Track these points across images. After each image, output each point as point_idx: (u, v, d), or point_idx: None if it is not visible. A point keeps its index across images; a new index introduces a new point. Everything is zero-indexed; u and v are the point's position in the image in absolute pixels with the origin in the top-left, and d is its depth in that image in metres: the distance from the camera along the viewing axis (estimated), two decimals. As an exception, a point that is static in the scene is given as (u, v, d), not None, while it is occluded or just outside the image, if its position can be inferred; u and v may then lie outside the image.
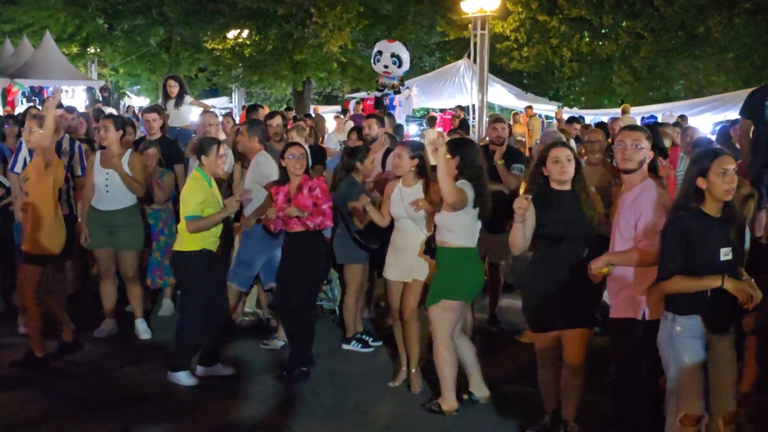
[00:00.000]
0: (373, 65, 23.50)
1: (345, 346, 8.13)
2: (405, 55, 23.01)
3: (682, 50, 24.49)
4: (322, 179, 7.45)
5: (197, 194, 7.02)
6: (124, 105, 34.54)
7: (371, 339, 8.16)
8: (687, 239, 4.71)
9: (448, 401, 6.42)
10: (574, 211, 5.52)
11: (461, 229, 6.33)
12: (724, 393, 4.84)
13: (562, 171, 5.53)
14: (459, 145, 6.45)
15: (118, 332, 8.41)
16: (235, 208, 7.30)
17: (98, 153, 8.26)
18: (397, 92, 23.08)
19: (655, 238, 4.95)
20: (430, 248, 6.70)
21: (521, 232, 5.59)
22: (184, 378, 7.10)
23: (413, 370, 6.98)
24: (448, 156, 6.14)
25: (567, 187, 5.60)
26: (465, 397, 6.56)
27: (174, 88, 11.56)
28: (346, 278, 8.07)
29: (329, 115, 25.49)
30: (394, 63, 22.88)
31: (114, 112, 18.98)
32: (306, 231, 7.19)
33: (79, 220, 8.50)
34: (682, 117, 17.42)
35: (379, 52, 23.04)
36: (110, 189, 8.14)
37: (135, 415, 6.40)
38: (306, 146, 8.16)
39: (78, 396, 6.87)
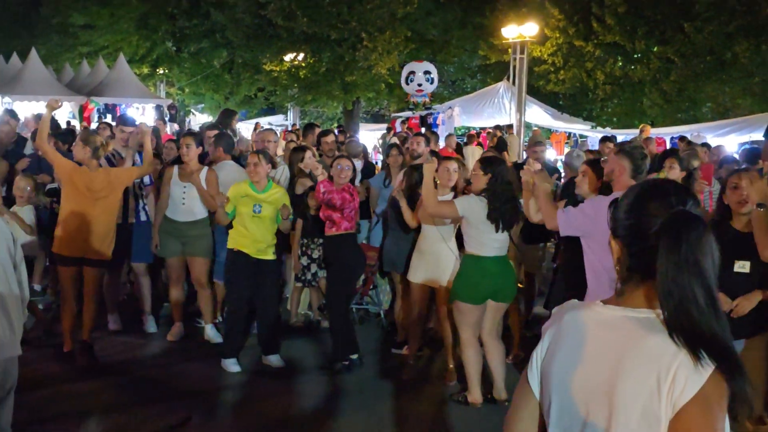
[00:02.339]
0: (404, 86, 23.72)
1: (395, 351, 8.11)
2: (434, 72, 23.51)
3: (711, 74, 24.18)
4: (354, 189, 7.70)
5: (229, 193, 7.38)
6: (189, 122, 34.93)
7: None
8: None
9: (473, 394, 6.51)
10: None
11: (468, 237, 6.43)
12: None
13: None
14: (491, 162, 6.45)
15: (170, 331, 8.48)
16: (213, 204, 7.54)
17: (176, 167, 8.23)
18: (428, 108, 23.29)
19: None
20: None
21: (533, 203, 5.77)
22: (230, 365, 7.29)
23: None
24: (480, 173, 6.26)
25: None
26: (489, 396, 6.61)
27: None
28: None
29: (377, 132, 25.68)
30: (428, 80, 23.19)
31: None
32: (338, 234, 7.43)
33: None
34: (704, 144, 17.09)
35: (412, 72, 23.36)
36: (186, 201, 8.13)
37: (196, 406, 6.50)
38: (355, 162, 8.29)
39: (145, 389, 6.97)
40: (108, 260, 7.64)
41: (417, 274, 7.20)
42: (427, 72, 23.45)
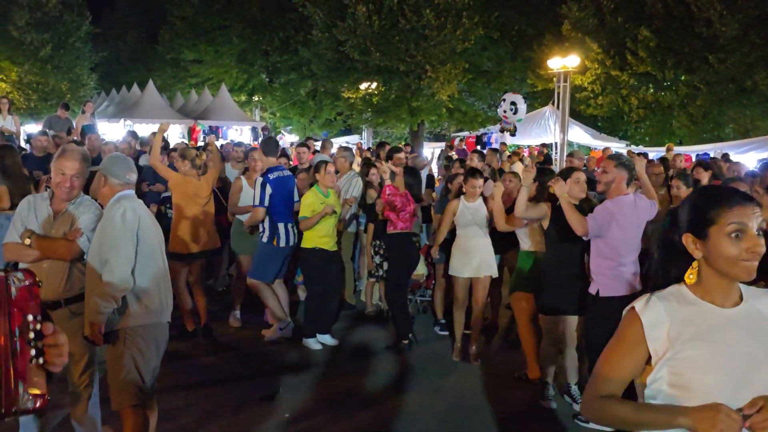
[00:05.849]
0: (503, 113, 23.36)
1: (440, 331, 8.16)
2: (521, 105, 22.96)
3: (733, 100, 23.64)
4: (410, 197, 7.65)
5: (308, 201, 7.25)
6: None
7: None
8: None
9: (533, 371, 6.47)
10: None
11: (525, 236, 6.53)
12: None
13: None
14: (541, 173, 6.36)
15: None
16: (326, 211, 7.23)
17: (243, 177, 8.21)
18: (513, 134, 23.11)
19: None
20: None
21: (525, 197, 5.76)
22: (312, 344, 7.33)
23: (474, 347, 7.12)
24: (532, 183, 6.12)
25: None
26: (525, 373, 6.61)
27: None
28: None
29: (438, 150, 25.39)
30: (511, 110, 22.86)
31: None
32: (395, 233, 7.43)
33: None
34: (724, 155, 16.63)
35: (503, 100, 23.23)
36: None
37: (283, 381, 6.54)
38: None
39: (241, 367, 7.02)
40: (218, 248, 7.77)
41: (466, 270, 6.99)
42: (513, 103, 23.16)
